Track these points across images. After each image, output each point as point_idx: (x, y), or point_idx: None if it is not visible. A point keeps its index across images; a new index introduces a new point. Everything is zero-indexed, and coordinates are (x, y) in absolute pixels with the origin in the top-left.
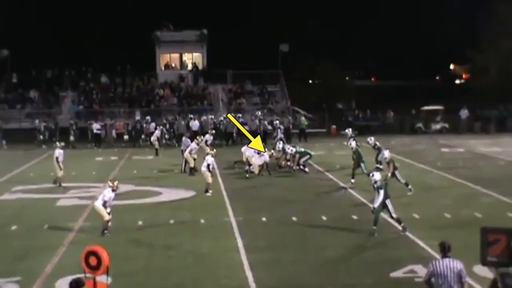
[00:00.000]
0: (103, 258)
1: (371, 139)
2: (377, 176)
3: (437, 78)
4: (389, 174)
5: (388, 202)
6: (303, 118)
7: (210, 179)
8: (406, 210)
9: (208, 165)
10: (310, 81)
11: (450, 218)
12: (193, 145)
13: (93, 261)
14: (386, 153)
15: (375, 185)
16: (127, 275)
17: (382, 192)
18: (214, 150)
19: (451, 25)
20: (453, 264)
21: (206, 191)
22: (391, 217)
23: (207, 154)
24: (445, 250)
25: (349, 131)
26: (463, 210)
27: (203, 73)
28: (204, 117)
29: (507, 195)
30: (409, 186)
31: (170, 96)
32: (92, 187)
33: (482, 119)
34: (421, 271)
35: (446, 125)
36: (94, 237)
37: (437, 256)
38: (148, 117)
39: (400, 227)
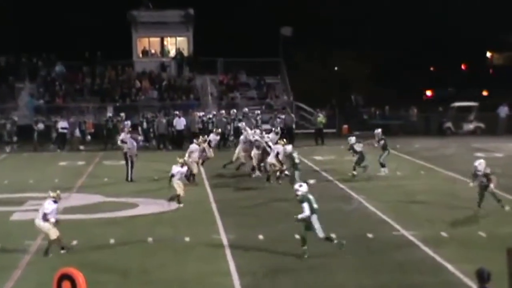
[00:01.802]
0: (79, 283)
1: (351, 139)
2: (303, 188)
3: (463, 67)
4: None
5: (314, 219)
6: (320, 115)
7: (181, 191)
8: (431, 227)
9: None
10: (317, 71)
11: (485, 237)
12: (193, 146)
13: (66, 286)
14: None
15: (297, 198)
16: None
17: (305, 205)
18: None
19: (486, 7)
20: None
21: (172, 199)
22: (318, 237)
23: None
24: (484, 280)
25: (351, 139)
26: (501, 227)
27: (189, 61)
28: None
29: None
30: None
31: (149, 89)
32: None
33: None
34: None
35: (481, 125)
36: (57, 258)
37: (471, 284)
38: (122, 114)
39: (335, 244)
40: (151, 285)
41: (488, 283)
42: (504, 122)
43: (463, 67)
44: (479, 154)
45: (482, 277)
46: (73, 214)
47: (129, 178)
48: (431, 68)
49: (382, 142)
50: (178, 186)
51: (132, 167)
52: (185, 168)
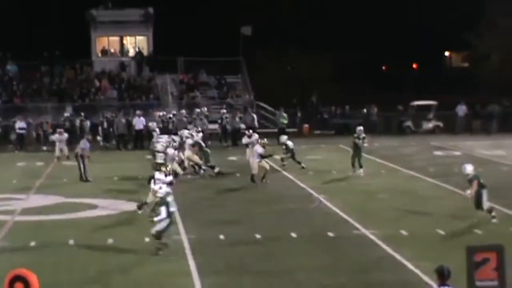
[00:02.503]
0: (32, 283)
1: (283, 138)
2: (163, 190)
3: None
4: None
5: (167, 221)
6: (283, 114)
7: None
8: (391, 225)
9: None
10: (278, 70)
11: (444, 235)
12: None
13: (19, 287)
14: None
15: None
16: None
17: (163, 209)
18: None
19: (446, 7)
20: None
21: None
22: (153, 234)
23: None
24: (444, 277)
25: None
26: (459, 225)
27: (149, 60)
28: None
29: (511, 207)
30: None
31: (109, 88)
32: (12, 199)
33: (482, 117)
34: None
35: (440, 124)
36: (15, 260)
37: (429, 281)
38: (82, 114)
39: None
40: (111, 286)
41: (448, 280)
42: (462, 121)
43: (415, 66)
44: (438, 153)
45: (442, 274)
46: (32, 215)
47: (84, 178)
48: (413, 65)
49: (365, 140)
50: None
51: (84, 167)
52: (169, 178)
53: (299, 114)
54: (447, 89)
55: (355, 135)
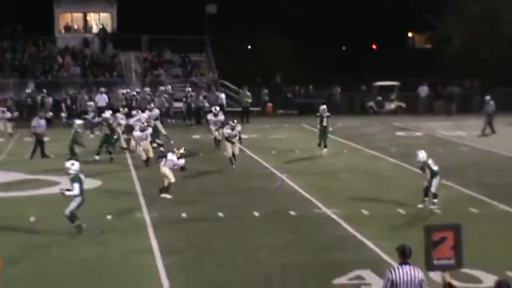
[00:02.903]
0: None
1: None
2: (75, 166)
3: (374, 47)
4: None
5: (79, 199)
6: (247, 93)
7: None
8: (352, 205)
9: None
10: (242, 49)
11: (404, 214)
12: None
13: None
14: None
15: (69, 176)
16: (14, 283)
17: (76, 185)
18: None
19: None
20: (414, 273)
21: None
22: (67, 216)
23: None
24: (405, 256)
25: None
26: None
27: (113, 37)
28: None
29: (470, 187)
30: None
31: (72, 65)
32: None
33: (444, 98)
34: (370, 277)
35: (402, 105)
36: None
37: (389, 259)
38: (44, 90)
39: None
40: (72, 263)
41: (409, 259)
42: (424, 102)
43: (374, 47)
44: (400, 133)
45: (403, 253)
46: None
47: (41, 155)
48: (372, 46)
49: (329, 119)
50: (170, 174)
51: (40, 145)
52: (181, 161)
53: (265, 94)
54: (410, 70)
55: (318, 114)
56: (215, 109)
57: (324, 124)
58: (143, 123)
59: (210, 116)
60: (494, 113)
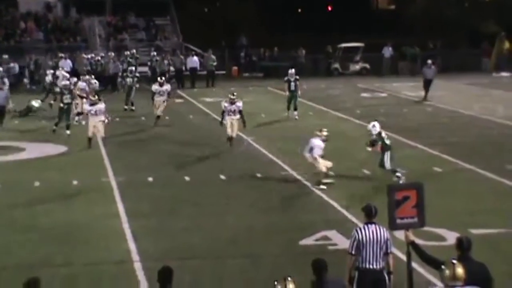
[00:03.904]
0: None
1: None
2: None
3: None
4: None
5: None
6: (212, 56)
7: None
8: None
9: None
10: (206, 12)
11: (369, 174)
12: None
13: None
14: None
15: None
16: None
17: None
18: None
19: None
20: (380, 232)
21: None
22: None
23: None
24: (371, 215)
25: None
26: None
27: (76, 2)
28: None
29: (434, 146)
30: None
31: (35, 30)
32: None
33: (408, 59)
34: (335, 237)
35: (367, 66)
36: None
37: (354, 220)
38: (5, 56)
39: None
40: (38, 229)
41: (375, 218)
42: (389, 63)
43: (329, 8)
44: (365, 95)
45: (370, 212)
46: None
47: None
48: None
49: (298, 82)
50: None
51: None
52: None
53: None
54: (374, 31)
55: (286, 78)
56: (161, 78)
57: (292, 88)
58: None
59: (155, 86)
60: (433, 77)
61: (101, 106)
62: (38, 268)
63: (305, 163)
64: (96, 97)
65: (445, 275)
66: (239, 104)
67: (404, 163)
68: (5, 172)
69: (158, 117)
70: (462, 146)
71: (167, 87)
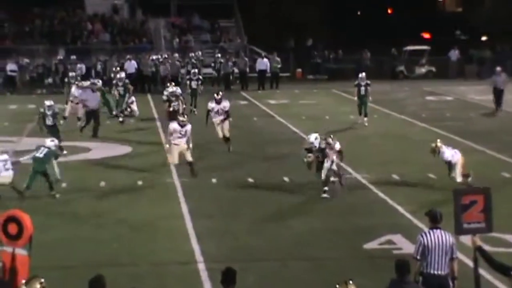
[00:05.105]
0: (26, 225)
1: (220, 93)
2: None
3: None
4: None
5: None
6: (277, 58)
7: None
8: (383, 170)
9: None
10: (271, 14)
11: (435, 179)
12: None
13: (12, 229)
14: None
15: None
16: (48, 248)
17: None
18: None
19: None
20: (445, 237)
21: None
22: None
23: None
24: (436, 220)
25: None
26: None
27: (142, 3)
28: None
29: (502, 151)
30: None
31: (101, 32)
32: (4, 142)
33: (475, 62)
34: (400, 241)
35: (433, 69)
36: (7, 202)
37: (419, 224)
38: (73, 57)
39: None
40: (103, 228)
41: (440, 223)
42: (455, 66)
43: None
44: (430, 98)
45: (434, 217)
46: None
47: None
48: (389, 11)
49: (368, 87)
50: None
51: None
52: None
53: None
54: (440, 34)
55: (356, 82)
56: (218, 95)
57: (362, 93)
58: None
59: (212, 105)
60: (504, 86)
61: (189, 128)
62: (104, 266)
63: (369, 166)
64: (186, 117)
65: None
66: (226, 104)
67: (472, 168)
68: (71, 172)
69: (227, 139)
70: None
71: (225, 103)
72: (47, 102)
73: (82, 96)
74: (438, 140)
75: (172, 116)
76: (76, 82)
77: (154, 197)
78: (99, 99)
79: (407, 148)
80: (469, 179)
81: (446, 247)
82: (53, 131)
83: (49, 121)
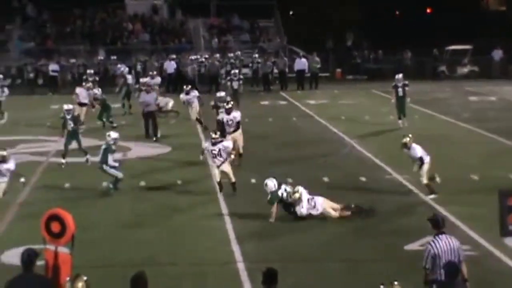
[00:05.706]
0: (68, 223)
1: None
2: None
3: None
4: None
5: None
6: (316, 58)
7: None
8: None
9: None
10: (310, 15)
11: (478, 180)
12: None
13: (55, 227)
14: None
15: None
16: (88, 247)
17: None
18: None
19: None
20: (451, 242)
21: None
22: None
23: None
24: (439, 226)
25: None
26: (493, 170)
27: (181, 4)
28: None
29: None
30: None
31: (141, 32)
32: (46, 141)
33: None
34: None
35: (475, 69)
36: (47, 202)
37: (462, 225)
38: (114, 57)
39: None
40: (143, 227)
41: (444, 228)
42: (498, 66)
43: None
44: (473, 98)
45: (437, 223)
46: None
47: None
48: (428, 10)
49: (407, 88)
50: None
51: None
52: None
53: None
54: (483, 33)
55: (393, 83)
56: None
57: (400, 94)
58: None
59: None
60: None
61: (224, 144)
62: (144, 266)
63: (409, 167)
64: (219, 133)
65: None
66: (236, 114)
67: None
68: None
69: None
70: None
71: (235, 114)
72: (66, 106)
73: (142, 99)
74: (410, 135)
75: (220, 127)
76: (84, 83)
77: (194, 197)
78: (154, 100)
79: (449, 149)
80: (437, 179)
81: (455, 251)
82: (74, 135)
83: (69, 126)
